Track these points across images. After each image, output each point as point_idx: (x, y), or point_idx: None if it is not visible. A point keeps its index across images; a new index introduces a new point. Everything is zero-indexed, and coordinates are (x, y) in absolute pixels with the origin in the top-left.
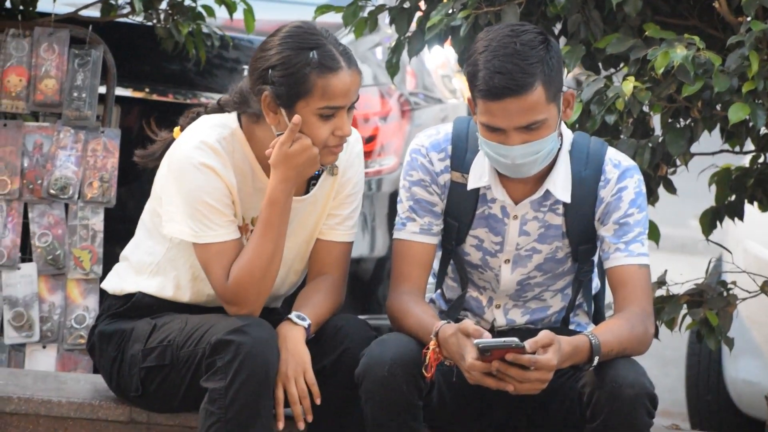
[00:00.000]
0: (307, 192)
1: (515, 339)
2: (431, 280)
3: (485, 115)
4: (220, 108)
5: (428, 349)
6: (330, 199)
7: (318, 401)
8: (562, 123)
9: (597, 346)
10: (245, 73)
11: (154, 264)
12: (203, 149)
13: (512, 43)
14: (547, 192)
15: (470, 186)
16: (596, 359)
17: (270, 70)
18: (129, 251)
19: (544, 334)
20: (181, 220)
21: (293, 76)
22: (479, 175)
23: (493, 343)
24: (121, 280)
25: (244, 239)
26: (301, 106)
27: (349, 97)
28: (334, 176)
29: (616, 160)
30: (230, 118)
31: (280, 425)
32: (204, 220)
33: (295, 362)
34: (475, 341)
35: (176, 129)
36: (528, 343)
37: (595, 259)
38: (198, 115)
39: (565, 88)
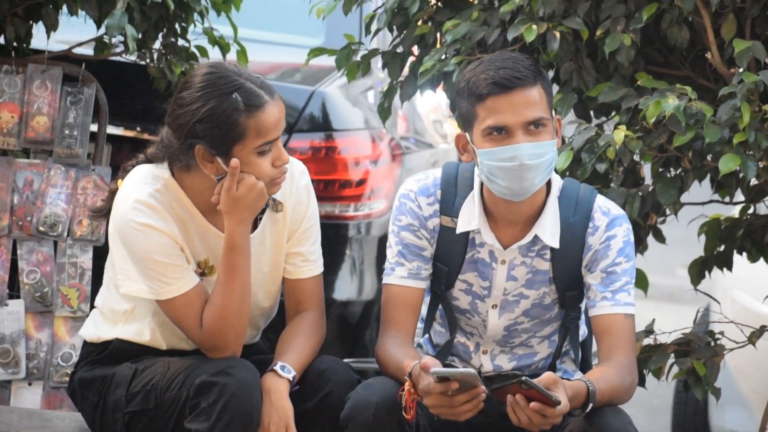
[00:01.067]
0: (253, 231)
1: (471, 370)
2: (419, 324)
3: (491, 116)
4: (148, 160)
5: (404, 390)
6: (284, 238)
7: None
8: (552, 171)
9: (593, 394)
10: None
11: (129, 311)
12: (139, 208)
13: (506, 53)
14: (536, 237)
15: (460, 229)
16: (590, 406)
17: (197, 125)
18: (101, 302)
19: (548, 375)
20: (137, 278)
21: (224, 124)
22: (469, 219)
23: (446, 372)
24: (97, 328)
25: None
26: (238, 149)
27: (280, 128)
28: (281, 212)
29: (606, 208)
30: (161, 168)
31: None
32: (160, 277)
33: (278, 416)
34: (432, 370)
35: (119, 182)
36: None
37: (583, 306)
38: (132, 167)
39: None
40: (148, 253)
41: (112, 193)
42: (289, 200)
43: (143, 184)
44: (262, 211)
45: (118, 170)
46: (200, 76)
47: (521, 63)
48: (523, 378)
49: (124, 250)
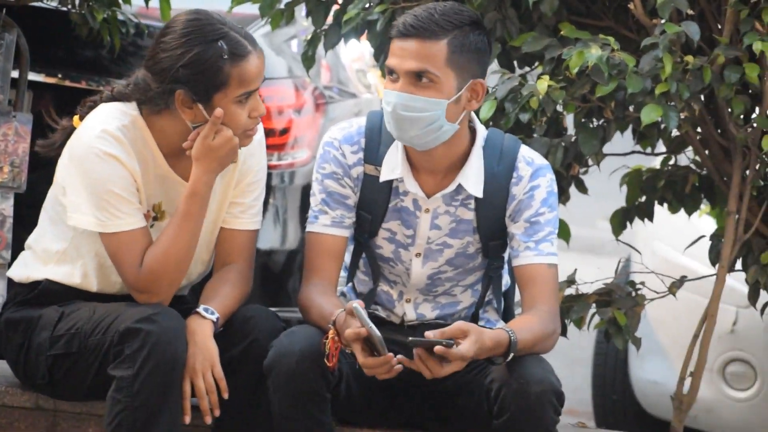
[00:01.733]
0: None
1: (377, 333)
2: (343, 273)
3: (389, 57)
4: (114, 98)
5: (327, 338)
6: (231, 188)
7: (225, 396)
8: (476, 119)
9: (515, 343)
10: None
11: (61, 252)
12: (105, 138)
13: (443, 5)
14: (460, 186)
15: (383, 178)
16: (511, 355)
17: (180, 69)
18: (34, 240)
19: (457, 326)
20: (86, 210)
21: (208, 71)
22: (392, 167)
23: (362, 318)
24: (27, 268)
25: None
26: (220, 98)
27: (261, 78)
28: (234, 163)
29: (530, 158)
30: (130, 106)
31: (187, 419)
32: (110, 209)
33: (203, 356)
34: (354, 305)
35: (75, 118)
36: (438, 333)
37: (506, 255)
38: (95, 104)
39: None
40: (105, 183)
41: (65, 129)
42: (242, 151)
43: (112, 118)
44: None
45: (40, 117)
46: (185, 21)
47: (437, 15)
48: (409, 339)
49: (79, 179)
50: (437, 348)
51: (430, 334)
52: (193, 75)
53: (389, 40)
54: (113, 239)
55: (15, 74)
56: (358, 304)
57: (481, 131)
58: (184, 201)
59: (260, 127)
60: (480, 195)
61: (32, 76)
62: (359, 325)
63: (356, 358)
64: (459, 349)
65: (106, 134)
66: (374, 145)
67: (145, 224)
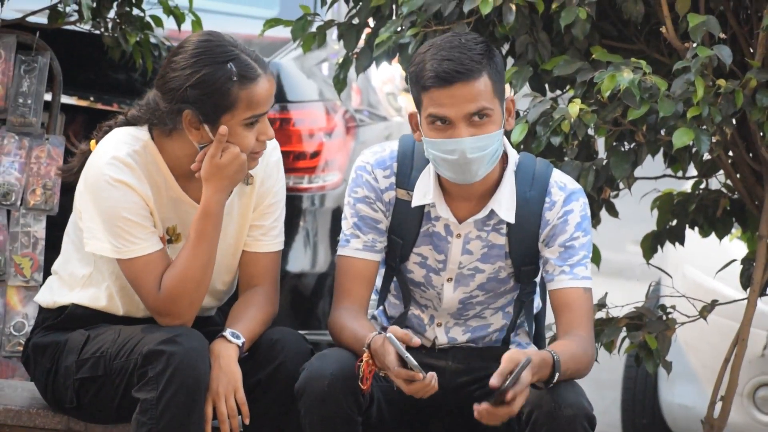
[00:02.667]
0: None
1: (416, 366)
2: (373, 296)
3: (433, 107)
4: (128, 122)
5: (362, 361)
6: (250, 211)
7: (247, 421)
8: (507, 143)
9: (558, 363)
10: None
11: (86, 276)
12: (116, 165)
13: (456, 39)
14: (492, 212)
15: (415, 203)
16: (557, 376)
17: (189, 89)
18: (59, 265)
19: (507, 358)
20: (102, 237)
21: (216, 92)
22: (424, 193)
23: (399, 350)
24: (53, 293)
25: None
26: (227, 119)
27: (270, 102)
28: (250, 185)
29: (562, 183)
30: (141, 131)
31: None
32: (125, 235)
33: (227, 380)
34: (388, 335)
35: (92, 142)
36: (498, 376)
37: (537, 279)
38: (110, 128)
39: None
40: (117, 209)
41: (83, 153)
42: (259, 174)
43: (122, 144)
44: None
45: (70, 139)
46: (196, 42)
47: (467, 53)
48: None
49: (93, 206)
50: (512, 394)
51: (494, 382)
52: (201, 96)
53: (417, 88)
54: (130, 265)
55: (48, 97)
56: (391, 333)
57: (513, 156)
58: (196, 221)
59: (276, 148)
60: (512, 220)
61: (65, 99)
62: (395, 355)
63: (393, 383)
64: (522, 378)
65: (116, 161)
66: (406, 169)
67: (161, 247)
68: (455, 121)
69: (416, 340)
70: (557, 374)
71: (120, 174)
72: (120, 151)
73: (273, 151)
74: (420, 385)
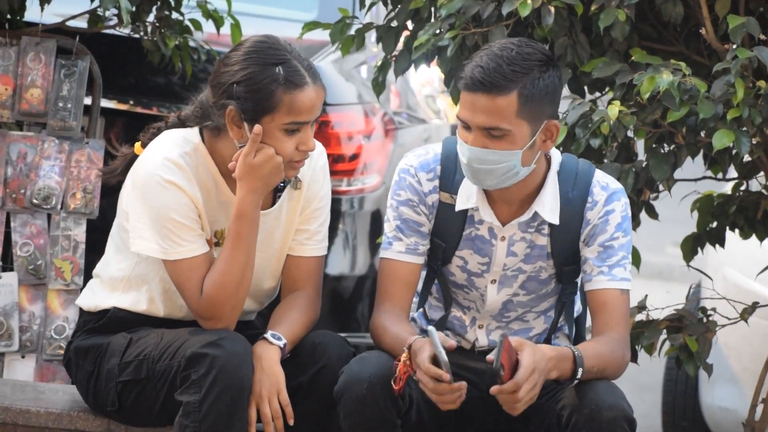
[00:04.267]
0: (272, 205)
1: (446, 367)
2: (414, 299)
3: (461, 108)
4: (181, 122)
5: (399, 360)
6: (296, 215)
7: (291, 422)
8: (552, 147)
9: (580, 358)
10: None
11: (126, 279)
12: (167, 166)
13: (510, 49)
14: (536, 213)
15: (458, 207)
16: (580, 371)
17: (235, 85)
18: (100, 268)
19: (516, 339)
20: (149, 237)
21: (259, 92)
22: (467, 197)
23: (437, 347)
24: (95, 297)
25: (213, 252)
26: (267, 121)
27: (314, 113)
28: (298, 190)
29: (604, 182)
30: (192, 133)
31: None
32: (173, 236)
33: (270, 382)
34: (429, 327)
35: (137, 144)
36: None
37: (579, 281)
38: (159, 130)
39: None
40: (167, 210)
41: (126, 156)
42: (306, 178)
43: (174, 145)
44: (283, 188)
45: (110, 143)
46: (252, 41)
47: (504, 66)
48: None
49: (141, 206)
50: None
51: (490, 358)
52: (245, 93)
53: (460, 66)
54: (176, 266)
55: (88, 101)
56: (432, 327)
57: (556, 157)
58: (232, 223)
59: (323, 153)
60: (556, 222)
61: (104, 103)
62: (429, 353)
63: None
64: (521, 362)
65: (168, 162)
66: (450, 173)
67: (206, 251)
68: (472, 127)
69: (452, 342)
70: (580, 370)
71: (171, 175)
72: (172, 153)
73: (320, 155)
74: (445, 388)
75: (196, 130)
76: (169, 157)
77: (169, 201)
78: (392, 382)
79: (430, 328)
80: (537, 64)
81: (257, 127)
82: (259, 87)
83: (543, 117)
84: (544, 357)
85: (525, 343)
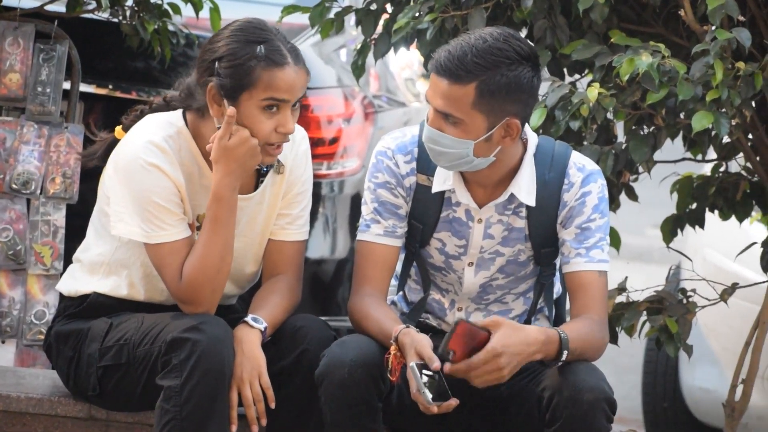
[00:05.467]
0: (255, 189)
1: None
2: (393, 282)
3: (428, 87)
4: (166, 104)
5: (389, 354)
6: (279, 199)
7: (272, 405)
8: (527, 129)
9: (566, 340)
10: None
11: (107, 263)
12: (150, 149)
13: (484, 40)
14: (512, 195)
15: (435, 189)
16: (565, 353)
17: (217, 62)
18: (81, 253)
19: (491, 318)
20: (130, 220)
21: (239, 67)
22: (444, 179)
23: (417, 381)
24: (75, 282)
25: (195, 236)
26: (245, 98)
27: (293, 93)
28: (281, 174)
29: (581, 164)
30: (175, 116)
31: (234, 429)
32: (154, 220)
33: (251, 365)
34: (411, 365)
35: (118, 128)
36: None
37: (557, 263)
38: (142, 113)
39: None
40: (149, 193)
41: (106, 140)
42: (288, 162)
43: (157, 128)
44: (266, 173)
45: (90, 127)
46: (239, 22)
47: (469, 56)
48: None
49: (123, 189)
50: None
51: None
52: (225, 69)
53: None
54: (157, 250)
55: (67, 85)
56: (414, 364)
57: (533, 140)
58: (209, 206)
59: (305, 138)
60: (533, 204)
61: (83, 88)
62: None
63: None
64: (492, 341)
65: (151, 144)
66: (427, 154)
67: (188, 235)
68: (432, 107)
69: (436, 365)
70: (565, 352)
71: (153, 158)
72: (155, 136)
73: (302, 140)
74: (433, 410)
75: (179, 113)
76: (152, 140)
77: (151, 184)
78: (388, 374)
79: (412, 365)
80: (505, 61)
81: (231, 109)
82: (239, 62)
83: (504, 113)
84: (525, 340)
85: (502, 324)
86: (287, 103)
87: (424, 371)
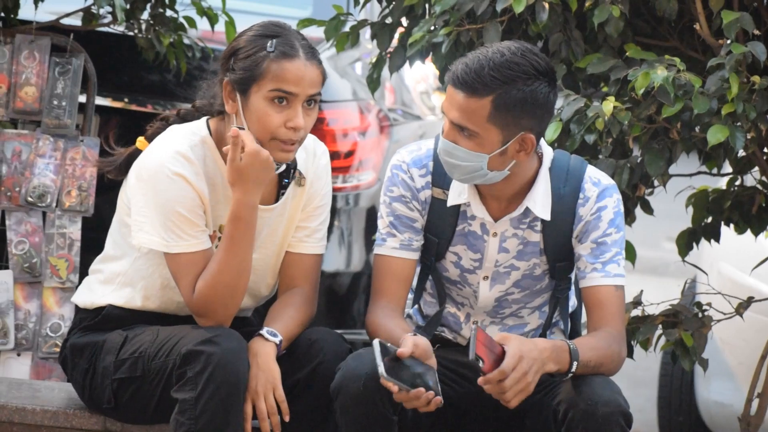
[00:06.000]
0: (276, 201)
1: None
2: (408, 295)
3: (445, 99)
4: (195, 111)
5: None
6: (298, 211)
7: (287, 418)
8: (543, 143)
9: (575, 351)
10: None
11: (122, 275)
12: (176, 158)
13: (501, 54)
14: (527, 209)
15: (450, 202)
16: (575, 364)
17: (232, 57)
18: (98, 263)
19: (499, 335)
20: (151, 230)
21: (249, 59)
22: (459, 192)
23: (394, 383)
24: (91, 294)
25: (214, 247)
26: (254, 90)
27: (301, 86)
28: (301, 187)
29: (596, 179)
30: (199, 125)
31: None
32: (176, 230)
33: (265, 378)
34: (380, 371)
35: (140, 139)
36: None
37: (573, 277)
38: (167, 122)
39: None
40: (172, 203)
41: (125, 150)
42: (309, 175)
43: (183, 138)
44: (288, 184)
45: (106, 142)
46: (261, 21)
47: (486, 69)
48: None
49: (147, 198)
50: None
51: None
52: (238, 62)
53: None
54: (175, 259)
55: (82, 99)
56: (376, 340)
57: (548, 154)
58: (227, 225)
59: (326, 152)
60: (548, 217)
61: (99, 101)
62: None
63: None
64: (507, 351)
65: (177, 154)
66: (442, 168)
67: (208, 246)
68: (447, 120)
69: (402, 350)
70: (575, 363)
71: (180, 168)
72: (181, 146)
73: (323, 154)
74: (402, 397)
75: (203, 122)
76: (179, 149)
77: (176, 194)
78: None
79: (375, 341)
80: (522, 76)
81: (234, 130)
82: (250, 54)
83: (519, 128)
84: (536, 347)
85: (510, 336)
86: (296, 97)
87: (390, 349)
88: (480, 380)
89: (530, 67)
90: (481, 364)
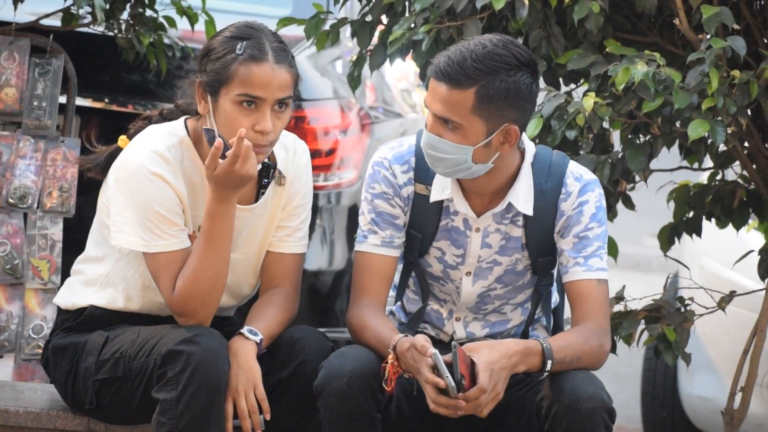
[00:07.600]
0: (256, 200)
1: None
2: (391, 292)
3: (427, 93)
4: (164, 119)
5: (387, 362)
6: (278, 211)
7: (268, 417)
8: (525, 138)
9: (549, 350)
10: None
11: (104, 276)
12: (154, 158)
13: (483, 46)
14: (510, 205)
15: (433, 198)
16: (549, 363)
17: (205, 58)
18: (79, 264)
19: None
20: (130, 230)
21: (219, 61)
22: (442, 188)
23: (440, 367)
24: (72, 294)
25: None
26: (223, 93)
27: (269, 90)
28: (282, 186)
29: (578, 174)
30: (177, 125)
31: None
32: (155, 229)
33: (246, 377)
34: (433, 351)
35: (122, 137)
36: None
37: (555, 272)
38: (150, 121)
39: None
40: (151, 202)
41: (107, 149)
42: (289, 174)
43: (160, 138)
44: (267, 184)
45: (88, 141)
46: (236, 22)
47: (469, 61)
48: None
49: (125, 198)
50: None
51: (447, 359)
52: (209, 64)
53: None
54: (154, 259)
55: (62, 99)
56: (437, 351)
57: (530, 149)
58: (204, 221)
59: (306, 151)
60: (530, 213)
61: (80, 101)
62: (434, 370)
63: (420, 389)
64: (480, 361)
65: (155, 154)
66: (424, 164)
67: (187, 246)
68: (431, 113)
69: (431, 352)
70: (549, 362)
71: (157, 167)
72: (159, 146)
73: (303, 153)
74: (450, 402)
75: (181, 122)
76: (156, 149)
77: (154, 194)
78: (384, 384)
79: (434, 351)
80: (504, 67)
81: (219, 141)
82: (220, 56)
83: (502, 119)
84: (506, 353)
85: (479, 346)
86: (264, 101)
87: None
88: (461, 397)
89: (513, 58)
90: (463, 382)
